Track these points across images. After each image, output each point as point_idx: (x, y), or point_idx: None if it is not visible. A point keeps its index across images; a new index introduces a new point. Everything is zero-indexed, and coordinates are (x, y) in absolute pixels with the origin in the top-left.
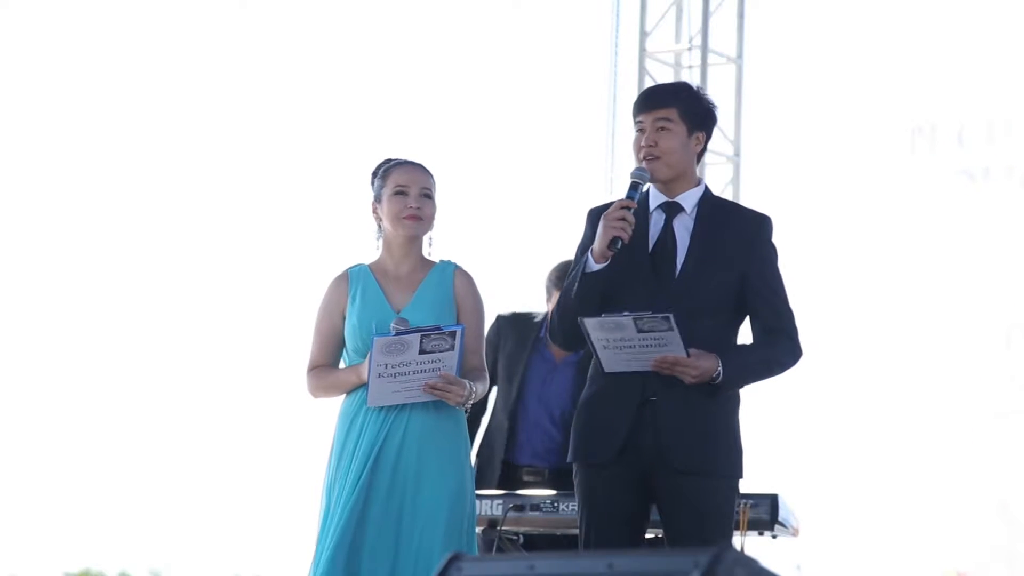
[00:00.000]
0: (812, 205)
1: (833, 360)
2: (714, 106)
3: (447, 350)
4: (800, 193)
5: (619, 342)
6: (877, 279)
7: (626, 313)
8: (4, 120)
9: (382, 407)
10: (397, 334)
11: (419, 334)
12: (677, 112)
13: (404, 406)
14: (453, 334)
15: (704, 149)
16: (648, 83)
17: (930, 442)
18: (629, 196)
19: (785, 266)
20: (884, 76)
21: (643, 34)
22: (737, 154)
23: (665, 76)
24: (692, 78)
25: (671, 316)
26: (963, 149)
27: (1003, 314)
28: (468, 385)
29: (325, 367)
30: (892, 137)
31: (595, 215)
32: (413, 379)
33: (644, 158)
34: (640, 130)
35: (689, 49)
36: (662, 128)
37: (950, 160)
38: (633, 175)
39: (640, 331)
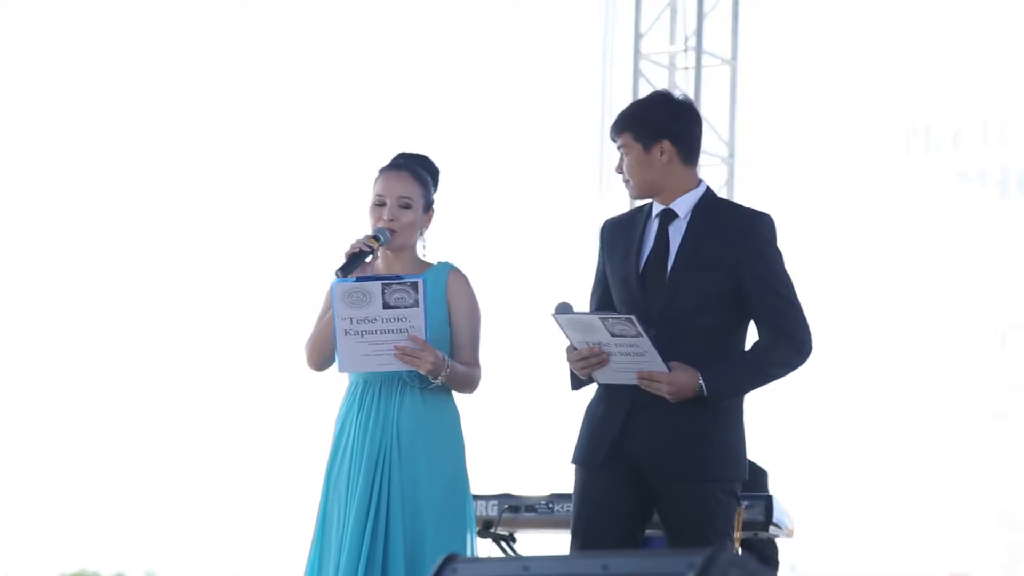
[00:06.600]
0: (807, 206)
1: (828, 361)
2: (680, 104)
3: (411, 305)
4: (795, 194)
5: (603, 348)
6: (872, 280)
7: (592, 312)
8: (4, 120)
9: (373, 403)
10: (357, 280)
11: (379, 282)
12: (631, 136)
13: (392, 399)
14: (415, 285)
15: (689, 147)
16: (643, 85)
17: (926, 443)
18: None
19: None
20: (879, 77)
21: (638, 36)
22: (732, 156)
23: (659, 77)
24: (687, 80)
25: (633, 318)
26: (958, 151)
27: (997, 315)
28: (442, 356)
29: None
30: (887, 139)
31: (607, 229)
32: (381, 340)
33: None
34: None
35: (684, 51)
36: (625, 155)
37: (945, 162)
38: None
39: (613, 335)
